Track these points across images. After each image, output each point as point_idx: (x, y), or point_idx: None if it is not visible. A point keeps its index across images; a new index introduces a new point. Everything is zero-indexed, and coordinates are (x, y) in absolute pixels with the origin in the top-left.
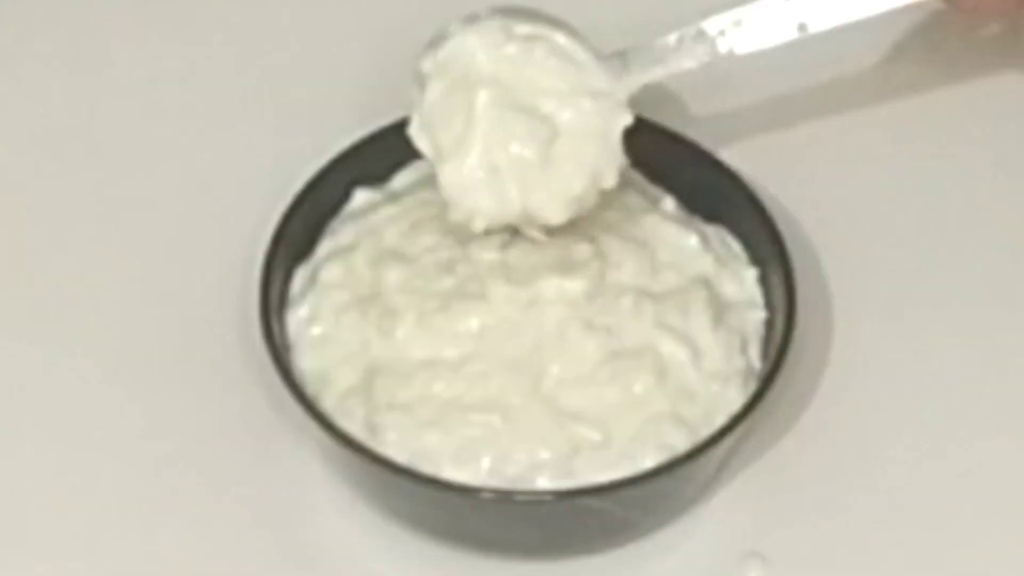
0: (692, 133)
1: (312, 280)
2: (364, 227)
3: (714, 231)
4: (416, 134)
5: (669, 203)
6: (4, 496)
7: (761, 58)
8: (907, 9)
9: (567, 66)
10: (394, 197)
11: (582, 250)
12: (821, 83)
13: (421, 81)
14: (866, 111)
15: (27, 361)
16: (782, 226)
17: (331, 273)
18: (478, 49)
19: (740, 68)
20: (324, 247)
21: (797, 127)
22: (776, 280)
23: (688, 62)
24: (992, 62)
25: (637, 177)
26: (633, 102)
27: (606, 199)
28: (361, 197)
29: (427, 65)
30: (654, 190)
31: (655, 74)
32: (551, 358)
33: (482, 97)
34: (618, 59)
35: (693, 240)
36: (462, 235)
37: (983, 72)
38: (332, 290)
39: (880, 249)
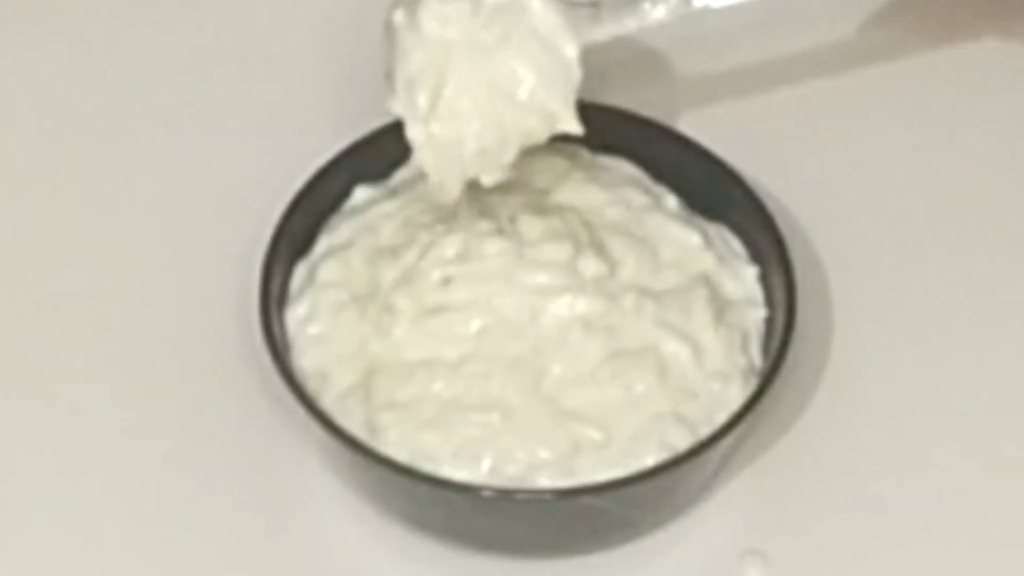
0: (689, 130)
1: (310, 278)
2: (360, 224)
3: (714, 229)
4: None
5: (671, 201)
6: (2, 495)
7: (757, 47)
8: None
9: (547, 59)
10: (392, 193)
11: (586, 252)
12: (818, 77)
13: (392, 36)
14: (865, 107)
15: (24, 358)
16: (781, 223)
17: (328, 271)
18: (452, 39)
19: (738, 58)
20: (322, 244)
21: (796, 123)
22: (776, 278)
23: (661, 14)
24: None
25: (640, 175)
26: (631, 97)
27: (610, 197)
28: (361, 194)
29: (398, 17)
30: (657, 188)
31: (628, 26)
32: (552, 358)
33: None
34: (590, 9)
35: (695, 238)
36: (457, 228)
37: (985, 52)
38: (329, 289)
39: (880, 245)
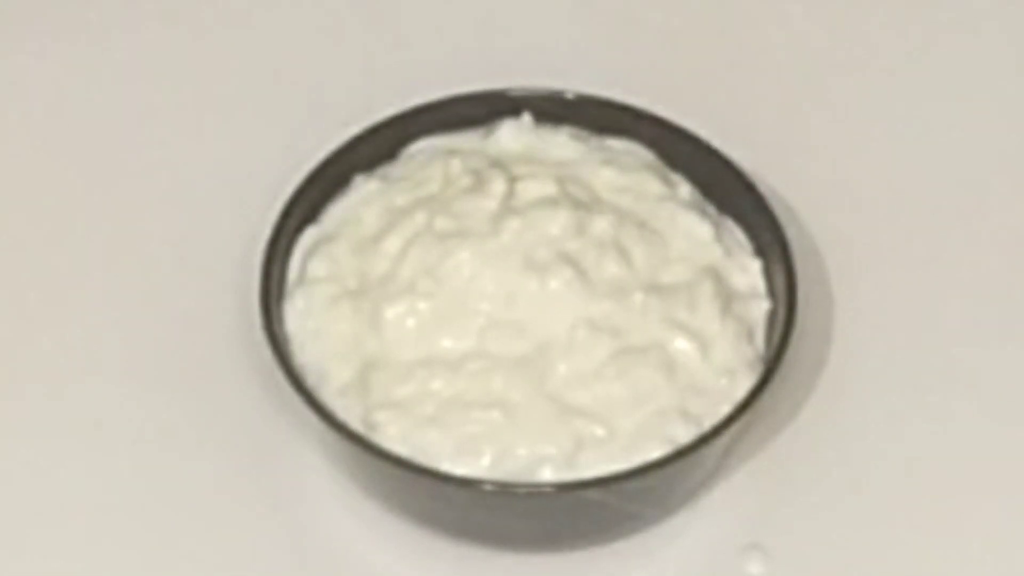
0: (693, 125)
1: (301, 274)
2: (345, 213)
3: (721, 221)
4: None
5: (685, 189)
6: (2, 493)
7: (761, 42)
8: None
9: None
10: (385, 179)
11: (608, 252)
12: (820, 73)
13: None
14: (868, 103)
15: (21, 353)
16: (783, 217)
17: (316, 267)
18: None
19: (742, 54)
20: (309, 235)
21: (798, 118)
22: (778, 272)
23: None
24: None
25: (655, 162)
26: (635, 93)
27: (624, 183)
28: (358, 183)
29: None
30: (672, 175)
31: None
32: (557, 356)
33: None
34: None
35: (706, 229)
36: (446, 219)
37: (977, 53)
38: (319, 284)
39: (882, 239)
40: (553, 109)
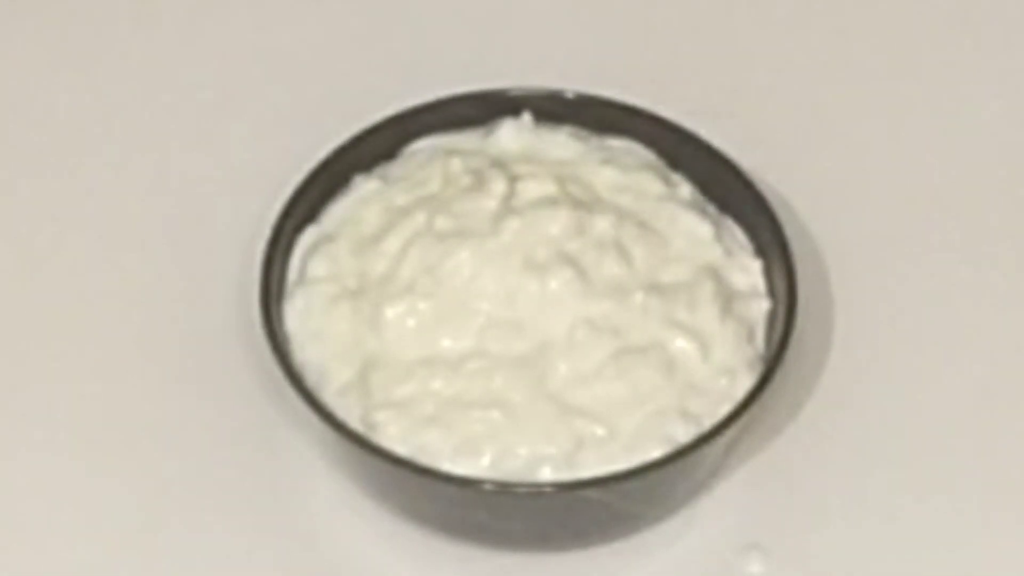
0: (693, 124)
1: (301, 273)
2: (345, 213)
3: (722, 221)
4: None
5: (685, 189)
6: (1, 493)
7: (762, 42)
8: None
9: None
10: (384, 179)
11: (608, 251)
12: (821, 72)
13: None
14: (868, 101)
15: (20, 353)
16: (784, 217)
17: (316, 267)
18: None
19: (743, 53)
20: (309, 235)
21: (798, 117)
22: (778, 272)
23: None
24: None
25: (656, 161)
26: (636, 93)
27: (624, 183)
28: (358, 182)
29: None
30: (673, 175)
31: None
32: (557, 356)
33: None
34: None
35: (706, 229)
36: (446, 219)
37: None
38: (319, 284)
39: (881, 239)
40: (553, 109)
